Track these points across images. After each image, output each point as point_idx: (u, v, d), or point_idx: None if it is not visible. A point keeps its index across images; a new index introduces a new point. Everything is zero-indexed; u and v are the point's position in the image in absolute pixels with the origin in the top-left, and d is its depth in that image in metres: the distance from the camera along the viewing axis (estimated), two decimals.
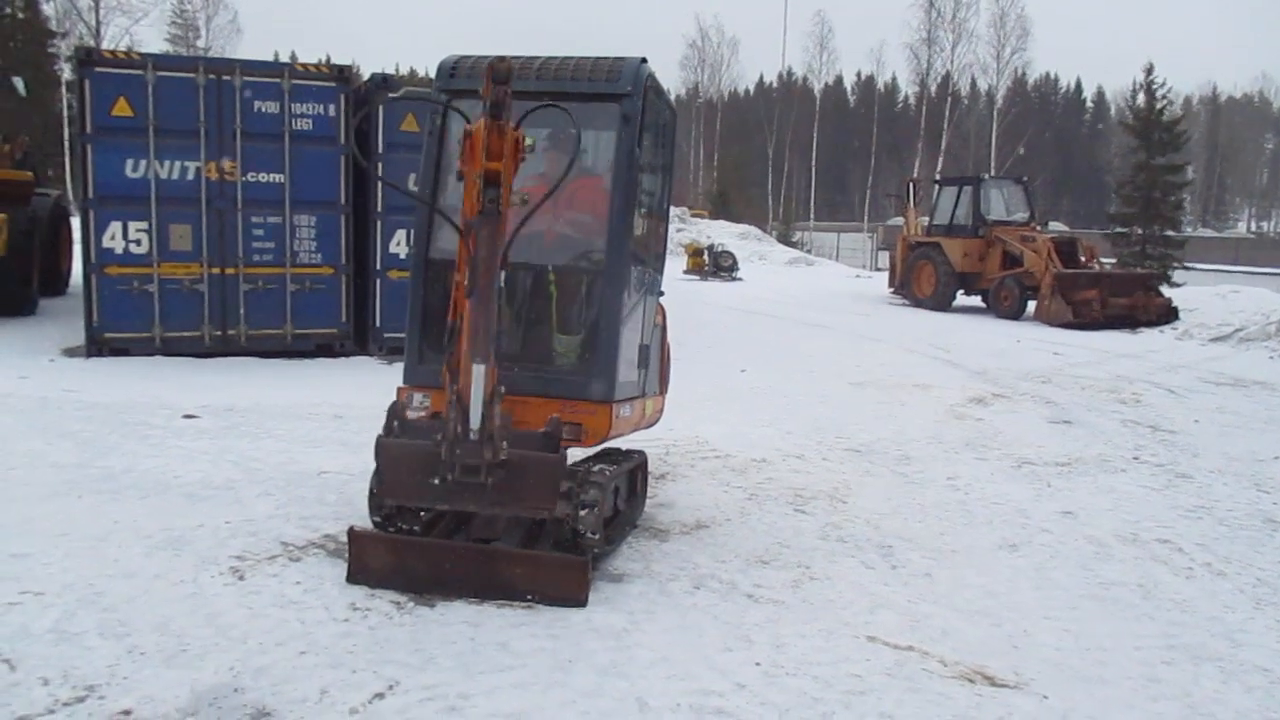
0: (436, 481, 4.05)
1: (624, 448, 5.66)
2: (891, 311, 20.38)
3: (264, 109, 10.60)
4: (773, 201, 59.19)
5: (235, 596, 4.35)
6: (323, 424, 7.74)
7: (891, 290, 22.49)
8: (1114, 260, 27.62)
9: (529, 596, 4.40)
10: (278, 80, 10.68)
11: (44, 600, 4.17)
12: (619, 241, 5.07)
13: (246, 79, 10.55)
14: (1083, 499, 6.68)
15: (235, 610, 4.20)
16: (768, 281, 27.34)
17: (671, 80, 60.84)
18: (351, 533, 4.58)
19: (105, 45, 42.33)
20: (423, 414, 4.99)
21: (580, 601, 4.39)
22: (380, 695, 3.54)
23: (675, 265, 21.75)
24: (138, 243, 10.39)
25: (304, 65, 11.43)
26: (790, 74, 70.25)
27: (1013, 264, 19.51)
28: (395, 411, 4.52)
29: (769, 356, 12.81)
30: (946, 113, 50.38)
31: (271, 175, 10.71)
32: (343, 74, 11.08)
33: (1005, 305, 19.33)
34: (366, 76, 12.36)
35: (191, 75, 10.42)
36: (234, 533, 5.15)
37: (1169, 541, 5.86)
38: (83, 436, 6.97)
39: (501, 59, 3.67)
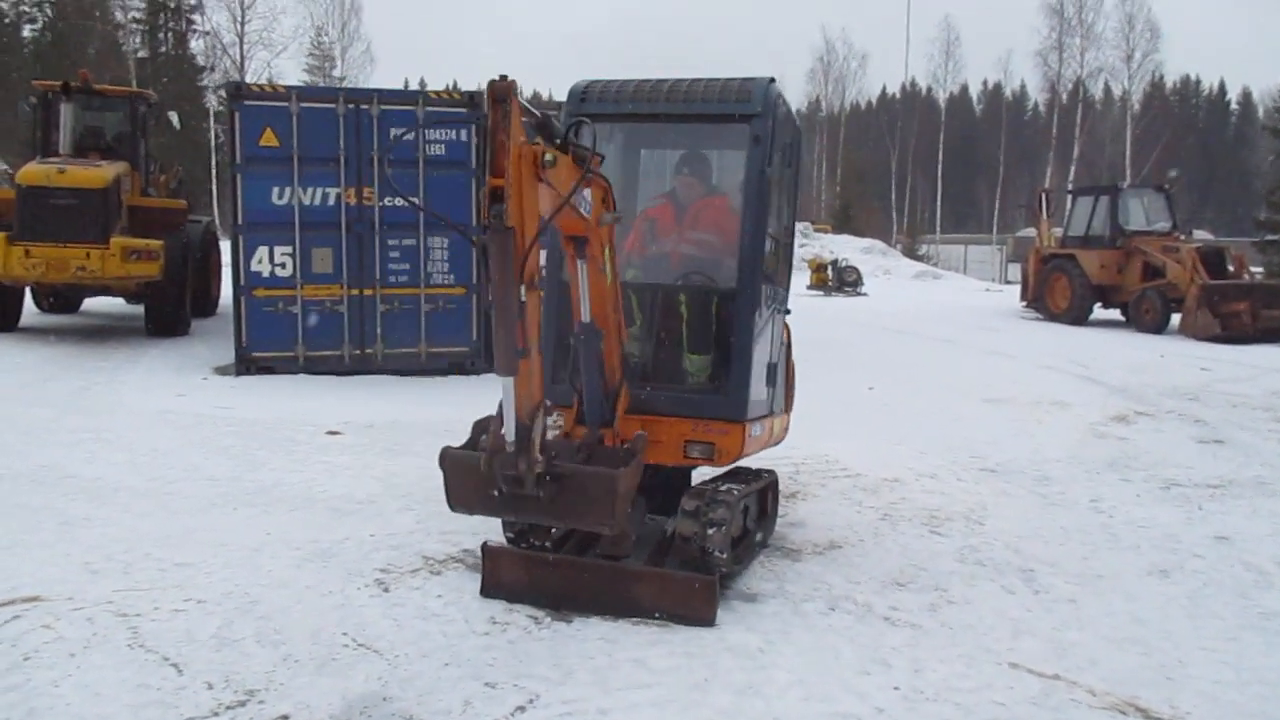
0: (495, 493, 3.95)
1: (754, 467, 5.65)
2: (1024, 326, 19.76)
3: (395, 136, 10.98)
4: (897, 214, 58.17)
5: (381, 608, 4.51)
6: (457, 440, 7.90)
7: (1024, 304, 21.80)
8: (1263, 270, 26.19)
9: (657, 615, 4.43)
10: (412, 108, 11.09)
11: (206, 608, 4.40)
12: (751, 261, 5.07)
13: (383, 108, 10.97)
14: (1238, 523, 6.34)
15: (381, 621, 4.36)
16: (893, 296, 26.88)
17: (796, 94, 60.65)
18: (485, 548, 4.70)
19: (249, 78, 44.47)
20: (557, 432, 5.09)
21: (708, 621, 4.40)
22: (521, 709, 3.62)
23: (798, 281, 21.56)
24: (283, 266, 10.89)
25: (436, 93, 11.80)
26: (914, 84, 69.05)
27: (1154, 275, 18.69)
28: (481, 426, 4.44)
29: (897, 373, 12.58)
30: (1078, 120, 48.68)
31: None
32: (473, 100, 11.41)
33: (1147, 319, 18.52)
34: None
35: (332, 105, 10.89)
36: (377, 546, 5.34)
37: None
38: (235, 451, 7.33)
39: (504, 78, 3.60)
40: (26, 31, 51.31)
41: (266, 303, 10.89)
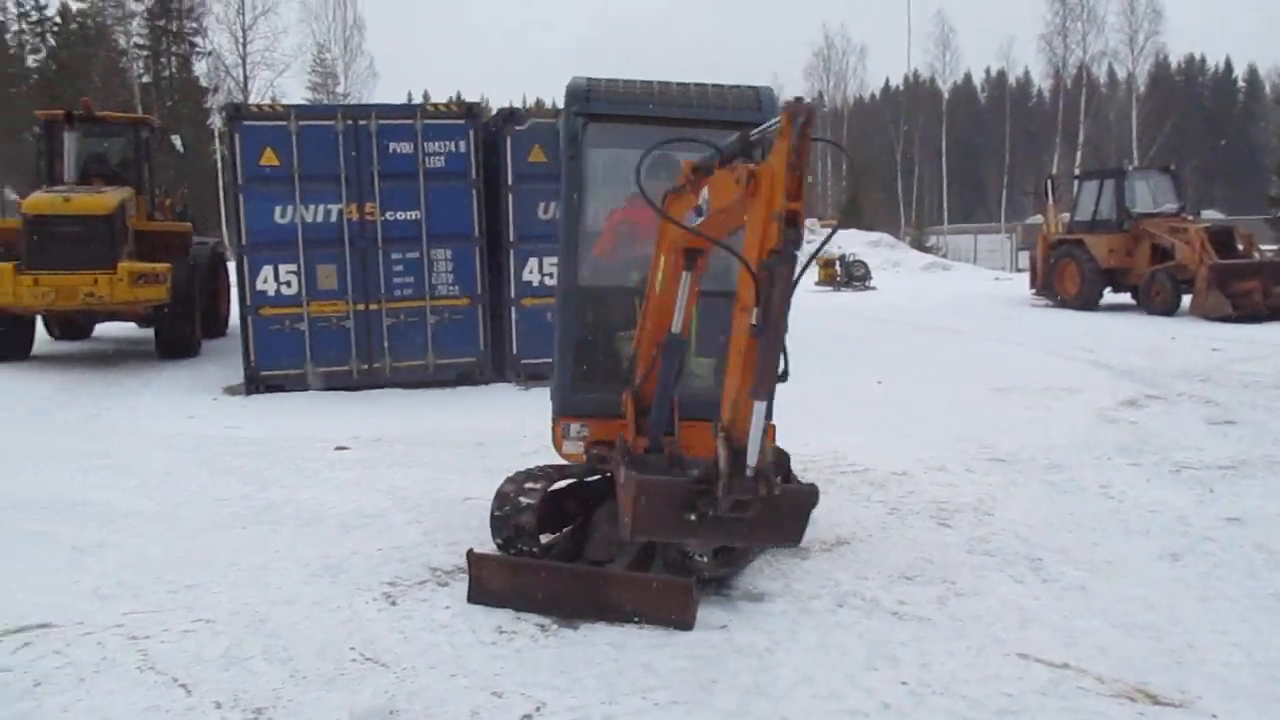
0: (693, 517, 3.69)
1: None
2: (1034, 313, 19.68)
3: (398, 149, 11.04)
4: (904, 207, 58.01)
5: (388, 621, 4.52)
6: (465, 451, 7.97)
7: (1033, 291, 21.72)
8: (1275, 248, 25.99)
9: (636, 619, 4.43)
10: (410, 121, 11.11)
11: (215, 627, 4.43)
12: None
13: (381, 122, 11.01)
14: (1250, 504, 6.30)
15: (389, 635, 4.37)
16: (903, 289, 26.82)
17: (796, 90, 60.42)
18: (470, 555, 4.72)
19: (252, 98, 44.64)
20: (579, 444, 5.18)
21: (687, 624, 4.38)
22: (528, 716, 3.63)
23: (806, 277, 21.56)
24: (288, 284, 10.95)
25: (434, 105, 11.87)
26: (916, 76, 68.79)
27: (1164, 257, 18.60)
28: (625, 449, 4.42)
29: (906, 366, 12.56)
30: (1082, 104, 48.46)
31: (409, 213, 11.13)
32: (470, 110, 11.45)
33: (1157, 301, 18.41)
34: (494, 111, 12.74)
35: (331, 122, 10.95)
36: (385, 559, 5.36)
37: None
38: (244, 471, 7.37)
39: (799, 100, 3.36)
40: (31, 61, 51.79)
41: (273, 321, 10.96)
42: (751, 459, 3.49)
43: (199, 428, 9.08)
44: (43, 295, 12.02)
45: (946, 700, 3.76)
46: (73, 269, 11.99)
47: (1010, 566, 5.26)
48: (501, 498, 5.01)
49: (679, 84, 5.38)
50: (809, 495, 3.86)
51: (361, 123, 11.01)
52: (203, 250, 15.06)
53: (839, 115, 63.35)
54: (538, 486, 4.99)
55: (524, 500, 4.92)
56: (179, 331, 13.40)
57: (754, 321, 3.37)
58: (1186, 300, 18.02)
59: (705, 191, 3.97)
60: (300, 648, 4.22)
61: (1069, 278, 20.20)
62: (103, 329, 16.06)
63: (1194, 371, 11.56)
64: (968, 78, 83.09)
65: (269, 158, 10.75)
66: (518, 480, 5.08)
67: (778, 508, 3.72)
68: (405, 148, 11.06)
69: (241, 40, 47.44)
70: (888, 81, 79.61)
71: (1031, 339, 14.91)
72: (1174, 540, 5.65)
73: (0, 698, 3.73)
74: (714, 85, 5.42)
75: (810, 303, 21.96)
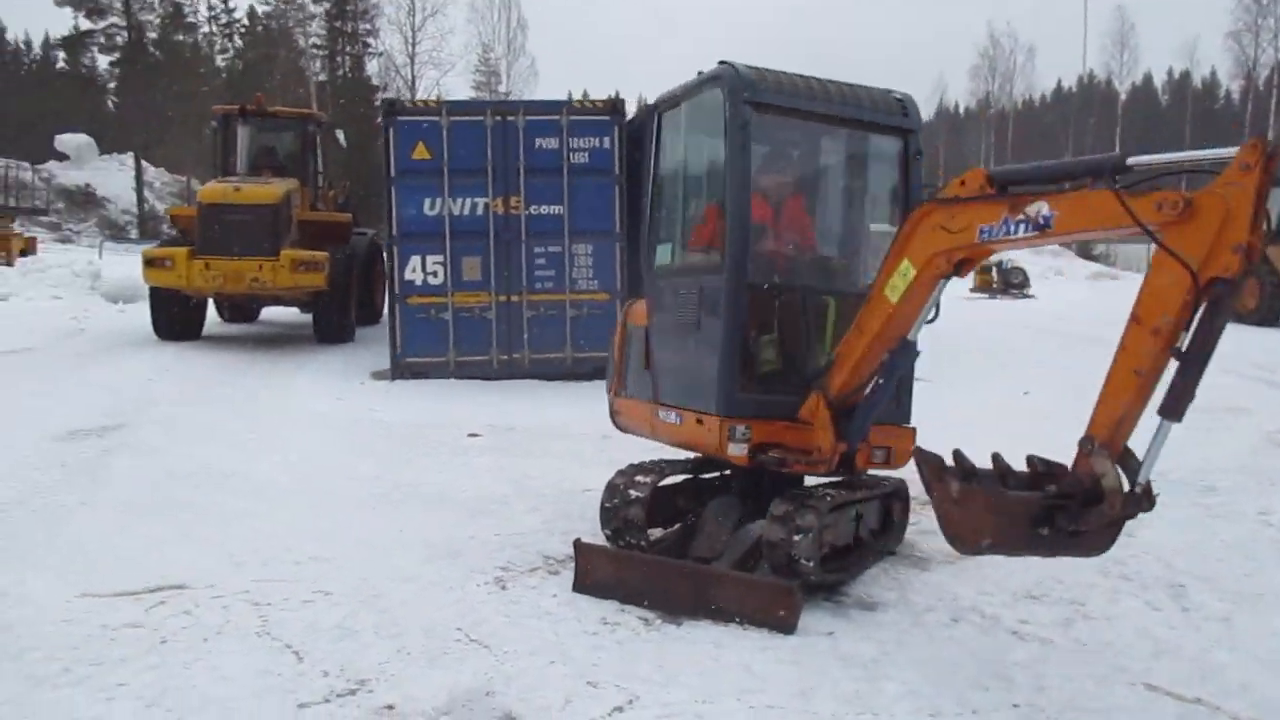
0: (1045, 532, 3.63)
1: (883, 474, 5.46)
2: None
3: (544, 145, 11.24)
4: None
5: (497, 605, 4.60)
6: (593, 443, 8.03)
7: None
8: None
9: (737, 618, 4.35)
10: (556, 118, 11.29)
11: (333, 599, 4.60)
12: None
13: (528, 118, 11.24)
14: None
15: (495, 618, 4.44)
16: (1065, 298, 25.63)
17: (960, 91, 58.68)
18: (578, 545, 4.74)
19: (420, 96, 46.32)
20: (744, 445, 4.89)
21: (788, 628, 4.29)
22: (620, 709, 3.62)
23: (962, 283, 20.90)
24: (434, 274, 11.30)
25: (579, 101, 12.00)
26: (1092, 77, 65.69)
27: None
28: (932, 458, 4.02)
29: (1058, 378, 11.95)
30: (1272, 106, 45.30)
31: (552, 207, 11.31)
32: (615, 107, 11.55)
33: None
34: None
35: (480, 118, 11.25)
36: (502, 545, 5.46)
37: None
38: (382, 452, 7.64)
39: (1264, 136, 3.30)
40: (219, 60, 55.21)
41: (419, 310, 11.33)
42: (1144, 477, 3.49)
43: (344, 409, 9.47)
44: (213, 279, 12.78)
45: None
46: (241, 255, 12.69)
47: (1147, 592, 4.95)
48: (611, 490, 5.03)
49: (833, 82, 5.29)
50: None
51: (510, 118, 11.27)
52: (361, 240, 15.69)
53: (1004, 117, 61.13)
54: (647, 480, 4.99)
55: (633, 494, 4.93)
56: (335, 317, 14.00)
57: (1183, 346, 3.37)
58: None
59: (1043, 206, 3.77)
60: (409, 624, 4.33)
61: (1248, 292, 18.84)
62: (268, 313, 16.96)
63: None
64: (1148, 78, 78.95)
65: (420, 152, 11.12)
66: (628, 473, 5.10)
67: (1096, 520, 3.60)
68: (551, 143, 11.24)
69: (411, 40, 49.38)
70: (1059, 83, 76.36)
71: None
72: None
73: (130, 651, 3.97)
74: (861, 86, 5.33)
75: (963, 310, 21.26)
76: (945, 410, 5.72)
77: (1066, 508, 3.55)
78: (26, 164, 42.12)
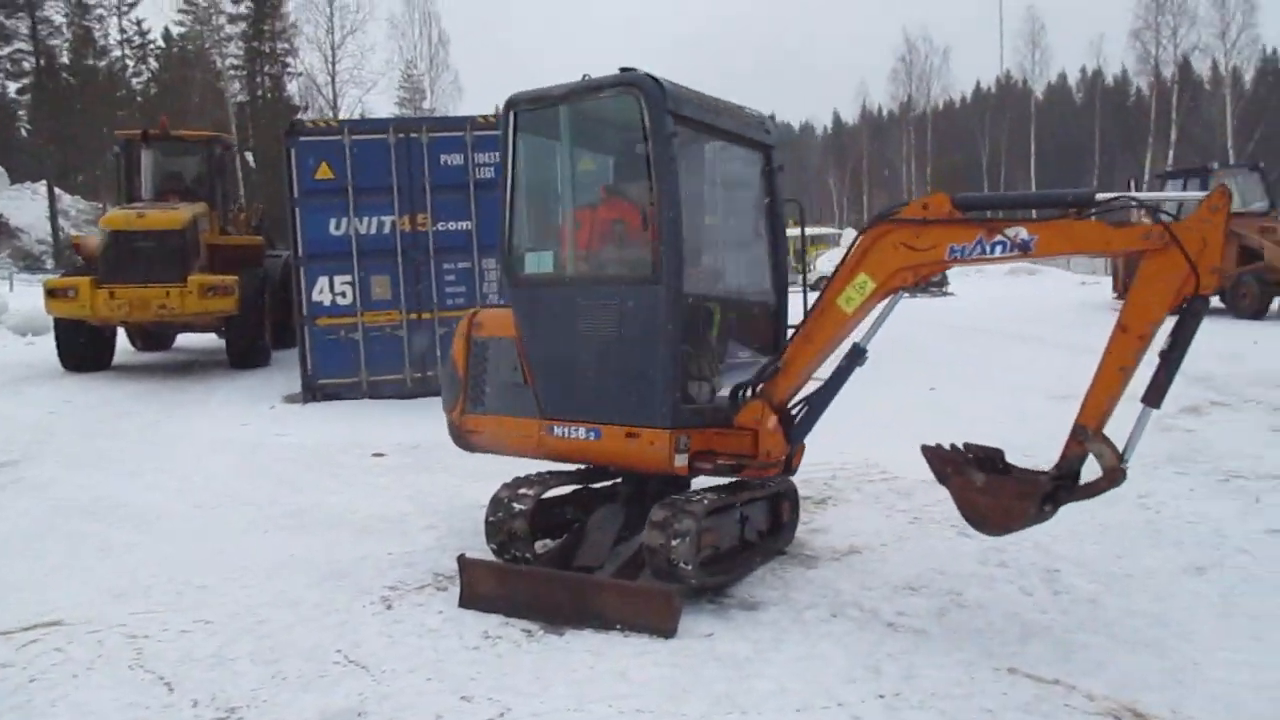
0: (1049, 508, 4.31)
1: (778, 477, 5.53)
2: (1113, 319, 18.94)
3: (450, 161, 11.21)
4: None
5: (380, 625, 4.59)
6: (495, 458, 8.00)
7: (1115, 296, 20.99)
8: None
9: (618, 625, 4.40)
10: (461, 134, 11.27)
11: (212, 628, 4.55)
12: (779, 271, 5.75)
13: (432, 135, 11.21)
14: None
15: (377, 639, 4.43)
16: (983, 294, 26.18)
17: (880, 95, 59.64)
18: (462, 560, 4.76)
19: (342, 114, 45.83)
20: (686, 456, 4.97)
21: (668, 632, 4.35)
22: None
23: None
24: (343, 295, 11.21)
25: (484, 117, 11.97)
26: (1009, 77, 67.12)
27: (1252, 259, 17.77)
28: (948, 454, 4.51)
29: (966, 373, 12.25)
30: (1173, 102, 46.74)
31: (460, 224, 11.29)
32: None
33: (1244, 304, 17.60)
34: None
35: (383, 136, 11.19)
36: (394, 564, 5.44)
37: None
38: (281, 476, 7.56)
39: (1226, 186, 3.99)
40: (135, 85, 54.11)
41: (329, 331, 11.23)
42: (1129, 456, 4.22)
43: (250, 434, 9.34)
44: (118, 308, 12.52)
45: (922, 714, 3.66)
46: (146, 282, 12.46)
47: (1023, 578, 5.09)
48: (496, 503, 5.04)
49: (715, 97, 5.42)
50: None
51: (413, 135, 11.23)
52: (276, 263, 15.45)
53: (924, 119, 62.25)
54: (531, 493, 5.01)
55: (517, 506, 4.95)
56: (248, 342, 13.80)
57: (1166, 347, 4.22)
58: (1278, 303, 17.20)
59: (1022, 230, 4.31)
60: (288, 649, 4.30)
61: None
62: (184, 339, 16.64)
63: (1270, 377, 11.00)
64: (1062, 77, 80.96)
65: (324, 172, 11.03)
66: (513, 486, 5.11)
67: None
68: (456, 159, 11.22)
69: (331, 59, 48.82)
70: (979, 84, 77.97)
71: (1102, 345, 14.35)
72: (1205, 553, 5.39)
73: None
74: (733, 103, 5.56)
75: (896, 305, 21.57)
76: (850, 408, 5.78)
77: (1066, 486, 4.26)
78: None
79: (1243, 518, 5.98)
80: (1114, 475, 4.22)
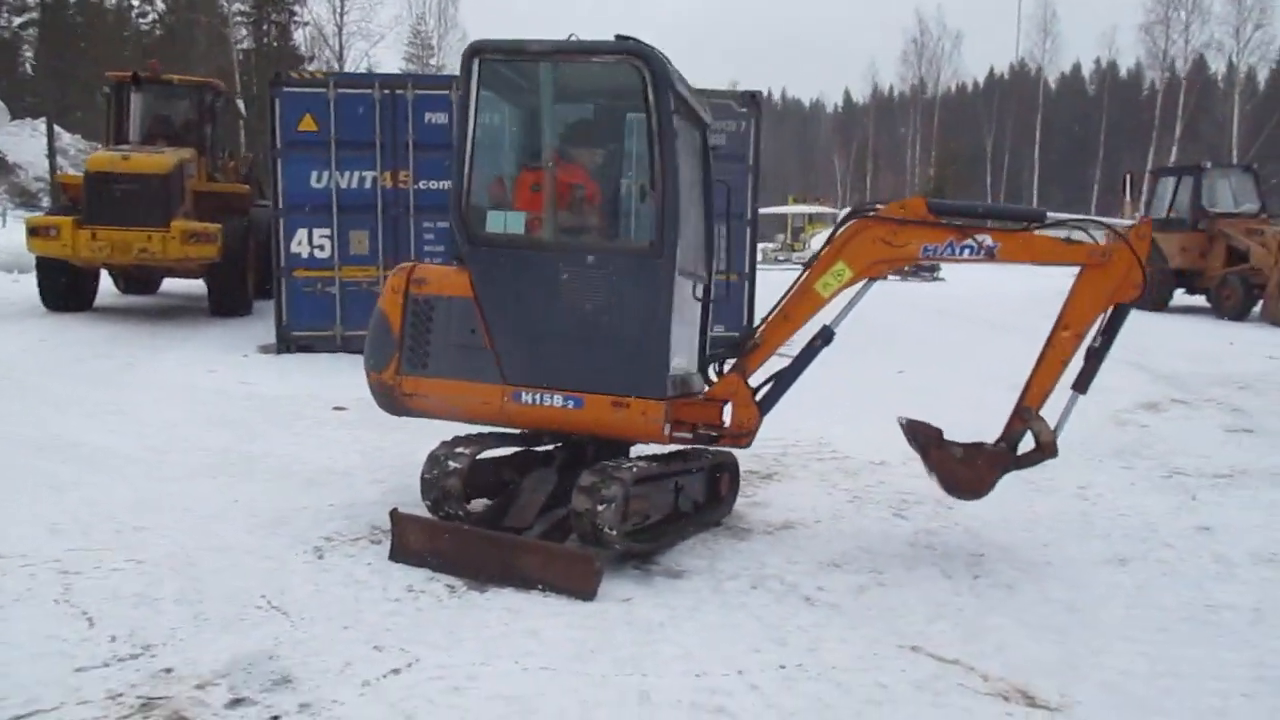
0: (1001, 476, 5.16)
1: (717, 449, 5.61)
2: None
3: (434, 120, 11.20)
4: (992, 198, 56.55)
5: (308, 573, 4.68)
6: None
7: None
8: None
9: (539, 586, 4.49)
10: (446, 93, 11.24)
11: (142, 568, 4.63)
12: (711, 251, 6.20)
13: (418, 92, 11.20)
14: (1229, 515, 6.07)
15: (302, 586, 4.52)
16: (973, 282, 26.15)
17: (891, 76, 59.17)
18: (394, 514, 4.84)
19: (347, 67, 45.52)
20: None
21: (587, 595, 4.44)
22: (396, 671, 3.72)
23: None
24: (321, 248, 11.25)
25: None
26: (1023, 65, 66.63)
27: (1239, 260, 17.80)
28: (921, 429, 5.21)
29: (939, 358, 12.33)
30: (1180, 99, 46.51)
31: (441, 183, 11.27)
32: None
33: (1228, 305, 17.66)
34: None
35: (369, 91, 11.18)
36: (333, 515, 5.53)
37: None
38: (238, 424, 7.64)
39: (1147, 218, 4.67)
40: (142, 26, 53.67)
41: (306, 284, 11.29)
42: (1060, 434, 5.15)
43: (217, 382, 9.41)
44: (99, 249, 12.52)
45: (817, 685, 3.75)
46: (128, 225, 12.45)
47: (947, 561, 5.19)
48: (432, 460, 5.11)
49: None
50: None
51: (399, 92, 11.21)
52: (262, 213, 15.43)
53: (932, 102, 61.94)
54: (467, 452, 5.08)
55: (452, 464, 5.02)
56: (229, 290, 13.82)
57: (1095, 344, 5.13)
58: (1261, 306, 17.25)
59: (987, 238, 5.04)
60: (213, 592, 4.39)
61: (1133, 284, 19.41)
62: (169, 284, 16.65)
63: (1237, 379, 11.08)
64: (1076, 68, 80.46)
65: (307, 124, 11.03)
66: (450, 444, 5.17)
67: None
68: (440, 118, 11.19)
69: (339, 10, 48.44)
70: (992, 70, 77.44)
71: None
72: (1131, 545, 5.49)
73: None
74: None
75: (870, 293, 21.59)
76: (815, 386, 5.87)
77: (1018, 457, 5.16)
78: None
79: (1175, 514, 6.08)
80: (1049, 449, 5.12)
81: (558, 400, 5.03)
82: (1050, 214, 5.24)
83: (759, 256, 14.14)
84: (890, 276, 20.74)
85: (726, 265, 11.78)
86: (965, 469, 5.10)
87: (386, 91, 11.20)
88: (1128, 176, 22.58)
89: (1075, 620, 4.45)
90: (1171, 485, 6.71)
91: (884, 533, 5.63)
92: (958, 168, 55.33)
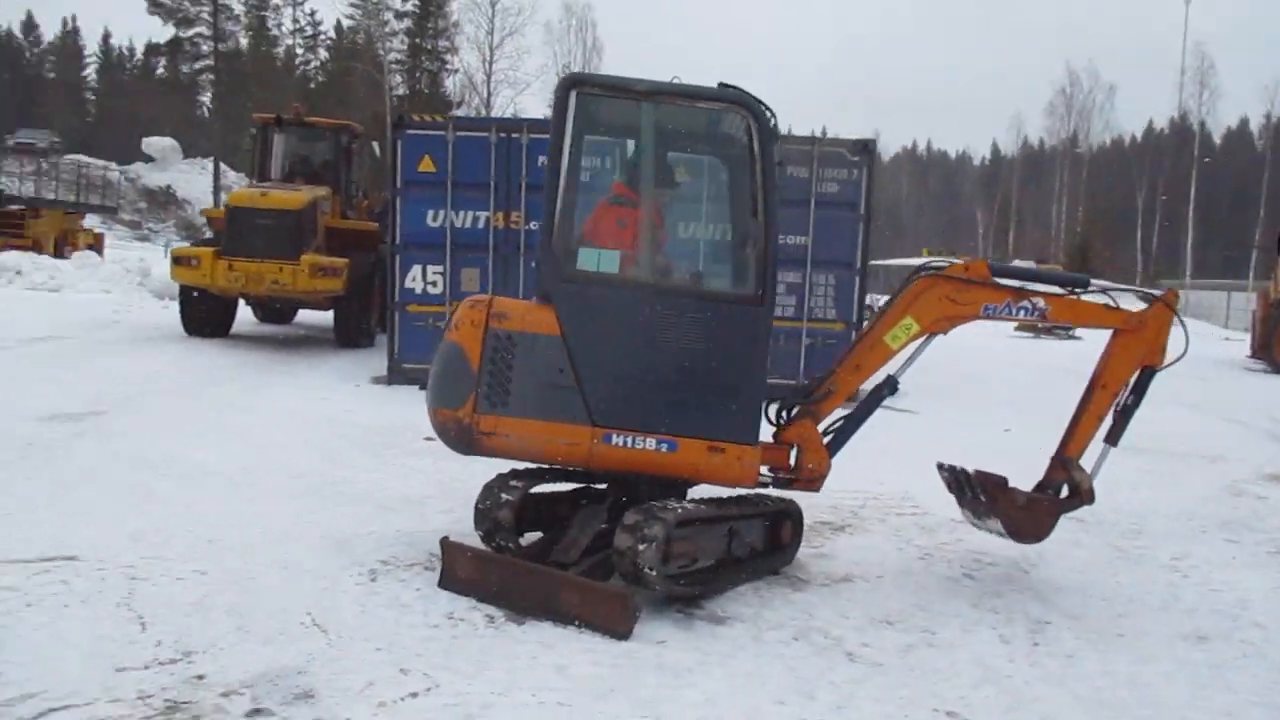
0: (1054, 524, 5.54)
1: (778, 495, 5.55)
2: (1238, 378, 17.99)
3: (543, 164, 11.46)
4: (1143, 256, 54.11)
5: (357, 595, 4.80)
6: None
7: (1249, 355, 19.85)
8: None
9: (576, 622, 4.48)
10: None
11: (205, 579, 4.85)
12: None
13: (532, 136, 11.51)
14: None
15: (349, 607, 4.64)
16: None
17: (1035, 129, 57.40)
18: (444, 542, 4.92)
19: (494, 113, 47.09)
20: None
21: (622, 634, 4.40)
22: (414, 694, 3.78)
23: (1005, 325, 20.53)
24: (434, 284, 11.66)
25: None
26: (1184, 118, 63.80)
27: None
28: (976, 475, 5.58)
29: (1050, 418, 11.80)
30: None
31: None
32: None
33: None
34: None
35: (485, 134, 11.57)
36: (395, 541, 5.66)
37: None
38: (331, 450, 7.93)
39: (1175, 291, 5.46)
40: (306, 72, 57.03)
41: (418, 318, 11.68)
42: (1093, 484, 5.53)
43: (325, 409, 9.80)
44: (235, 279, 13.31)
45: None
46: (262, 257, 13.20)
47: (1008, 626, 4.95)
48: (486, 491, 5.19)
49: None
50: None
51: (514, 136, 11.57)
52: (388, 249, 16.11)
53: (1079, 158, 59.89)
54: (520, 485, 5.14)
55: (504, 496, 5.09)
56: (352, 322, 14.44)
57: (1125, 404, 5.59)
58: None
59: (1040, 300, 5.48)
60: (263, 607, 4.55)
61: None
62: (306, 316, 17.48)
63: None
64: (1243, 122, 76.80)
65: (426, 164, 11.50)
66: (506, 476, 5.25)
67: None
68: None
69: (489, 59, 50.41)
70: (1151, 123, 74.57)
71: (1213, 403, 13.64)
72: (1216, 623, 5.13)
73: None
74: None
75: (1000, 348, 20.97)
76: (917, 442, 5.86)
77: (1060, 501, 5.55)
78: (114, 164, 43.96)
79: (1273, 593, 5.65)
80: (1088, 495, 5.51)
81: (650, 444, 4.96)
82: (1094, 280, 5.83)
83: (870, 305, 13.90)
84: (1020, 334, 20.26)
85: (835, 314, 11.75)
86: (1025, 515, 5.43)
87: (502, 135, 11.58)
88: None
89: (1134, 696, 4.18)
90: (1276, 563, 6.25)
91: (948, 591, 5.42)
92: (1106, 224, 53.15)
